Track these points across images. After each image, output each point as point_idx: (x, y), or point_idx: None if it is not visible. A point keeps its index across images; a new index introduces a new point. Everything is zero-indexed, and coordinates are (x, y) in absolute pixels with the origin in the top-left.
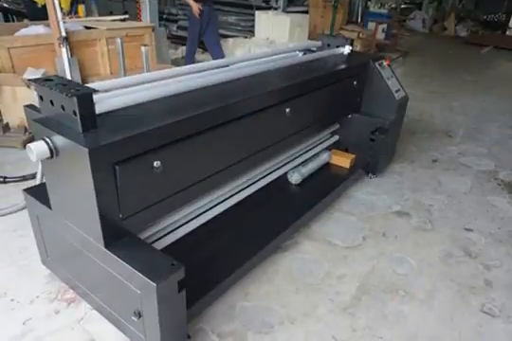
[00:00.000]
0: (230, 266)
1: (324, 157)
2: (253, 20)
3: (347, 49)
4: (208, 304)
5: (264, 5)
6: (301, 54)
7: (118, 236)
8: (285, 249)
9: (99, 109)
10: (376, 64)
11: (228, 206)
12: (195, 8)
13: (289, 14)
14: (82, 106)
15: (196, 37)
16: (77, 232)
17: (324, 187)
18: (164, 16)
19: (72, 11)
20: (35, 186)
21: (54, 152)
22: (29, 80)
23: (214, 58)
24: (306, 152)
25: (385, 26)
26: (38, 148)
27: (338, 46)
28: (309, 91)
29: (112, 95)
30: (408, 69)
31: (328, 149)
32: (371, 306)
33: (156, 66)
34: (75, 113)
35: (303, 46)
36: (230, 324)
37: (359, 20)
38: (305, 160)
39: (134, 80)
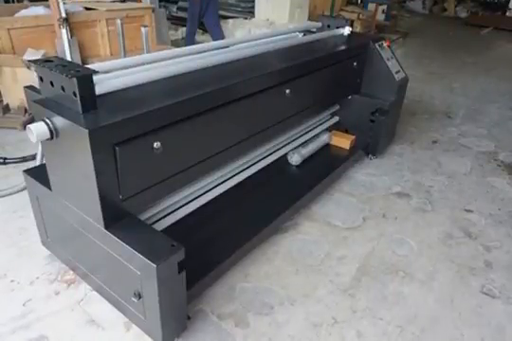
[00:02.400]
0: (230, 247)
1: (324, 138)
2: (253, 1)
3: (347, 30)
4: (208, 285)
5: None
6: (301, 35)
7: (118, 217)
8: (285, 230)
9: (99, 90)
10: (376, 45)
11: (229, 187)
12: None
13: None
14: (82, 87)
15: (196, 18)
16: (77, 213)
17: (324, 168)
18: None
19: None
20: (35, 167)
21: (54, 133)
22: (29, 61)
23: (214, 39)
24: (306, 133)
25: (385, 7)
26: (38, 129)
27: (337, 27)
28: (309, 72)
29: (112, 76)
30: (408, 50)
31: (328, 130)
32: (371, 287)
33: (156, 47)
34: (75, 94)
35: (303, 27)
36: (230, 305)
37: (359, 1)
38: (305, 141)
39: (134, 62)
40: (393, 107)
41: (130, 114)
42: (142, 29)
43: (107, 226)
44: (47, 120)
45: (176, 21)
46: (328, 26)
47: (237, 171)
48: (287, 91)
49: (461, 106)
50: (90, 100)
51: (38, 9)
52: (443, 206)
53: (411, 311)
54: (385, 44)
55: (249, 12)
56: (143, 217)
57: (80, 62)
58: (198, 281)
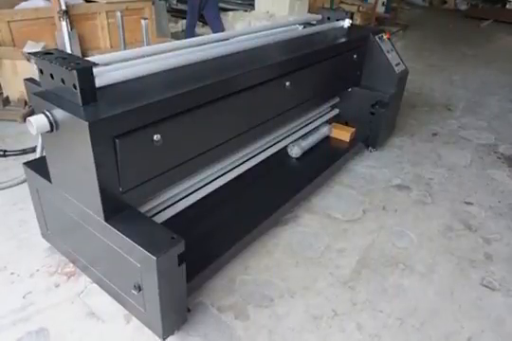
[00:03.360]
0: (230, 240)
1: (324, 131)
2: None
3: (347, 23)
4: (208, 278)
5: None
6: (301, 27)
7: (118, 209)
8: (285, 223)
9: (99, 82)
10: (376, 38)
11: (229, 179)
12: None
13: None
14: (82, 80)
15: (196, 10)
16: (77, 206)
17: (324, 160)
18: None
19: None
20: (35, 159)
21: (54, 125)
22: (29, 53)
23: (214, 31)
24: (306, 125)
25: None
26: (38, 121)
27: (338, 20)
28: (309, 64)
29: (112, 68)
30: (408, 43)
31: (328, 122)
32: (371, 279)
33: (156, 40)
34: (75, 86)
35: (303, 20)
36: (230, 297)
37: None
38: (305, 133)
39: (134, 54)
40: (392, 99)
41: (130, 106)
42: (142, 22)
43: (107, 219)
44: (47, 113)
45: (176, 13)
46: (328, 19)
47: (237, 164)
48: (287, 83)
49: (461, 98)
50: (90, 93)
51: (38, 2)
52: (443, 199)
53: (410, 303)
54: (385, 37)
55: (249, 5)
56: (143, 209)
57: (80, 55)
58: (198, 274)
